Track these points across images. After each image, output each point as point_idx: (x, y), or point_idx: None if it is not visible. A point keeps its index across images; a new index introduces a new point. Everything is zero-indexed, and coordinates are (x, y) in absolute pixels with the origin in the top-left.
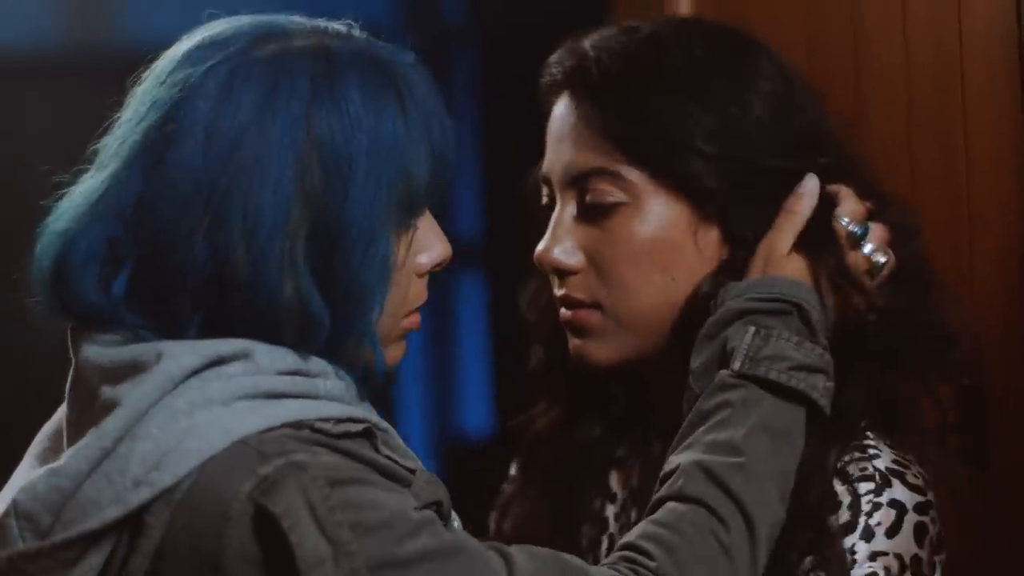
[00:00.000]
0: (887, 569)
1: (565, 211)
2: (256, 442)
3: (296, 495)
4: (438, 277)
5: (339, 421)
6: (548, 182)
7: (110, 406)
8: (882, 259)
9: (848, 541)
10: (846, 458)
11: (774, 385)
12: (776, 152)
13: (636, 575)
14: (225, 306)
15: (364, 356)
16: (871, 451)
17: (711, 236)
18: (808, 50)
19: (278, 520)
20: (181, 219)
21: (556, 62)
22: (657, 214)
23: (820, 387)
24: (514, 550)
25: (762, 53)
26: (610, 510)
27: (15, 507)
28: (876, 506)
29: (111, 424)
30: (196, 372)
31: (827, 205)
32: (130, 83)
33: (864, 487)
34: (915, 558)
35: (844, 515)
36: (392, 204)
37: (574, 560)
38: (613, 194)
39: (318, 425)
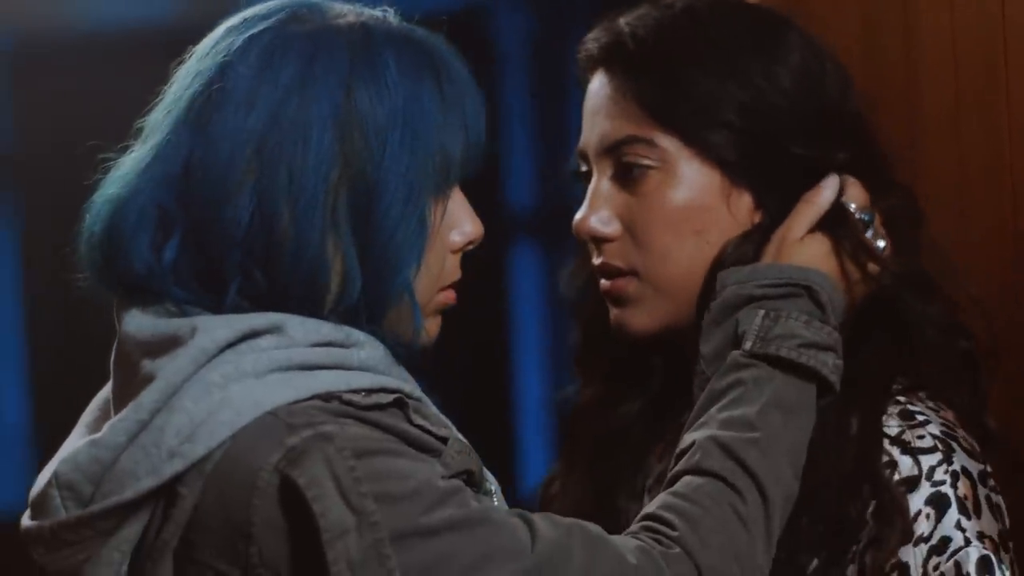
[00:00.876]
0: (995, 553)
1: (601, 181)
2: (285, 414)
3: (321, 466)
4: (490, 247)
5: (370, 392)
6: (585, 156)
7: (148, 379)
8: (881, 243)
9: (944, 512)
10: (894, 424)
11: (785, 362)
12: (800, 135)
13: (659, 544)
14: (268, 266)
15: (403, 319)
16: (919, 417)
17: (744, 201)
18: (863, 39)
19: (303, 490)
20: (227, 179)
21: (592, 39)
22: (690, 179)
23: (830, 364)
24: (537, 517)
25: (793, 30)
26: (649, 485)
27: (56, 478)
28: (955, 476)
29: (147, 397)
30: (231, 345)
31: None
32: (173, 65)
33: (932, 458)
34: (1001, 535)
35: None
36: (427, 170)
37: (594, 528)
38: (648, 161)
39: (347, 397)
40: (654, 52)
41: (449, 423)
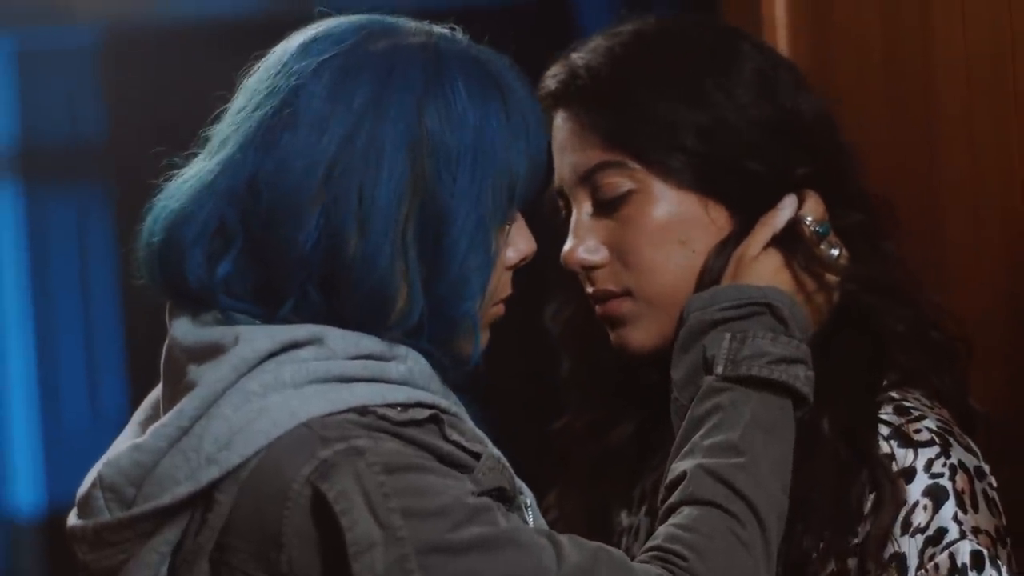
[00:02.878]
0: (988, 549)
1: (581, 211)
2: (319, 426)
3: (351, 480)
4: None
5: (406, 407)
6: (561, 193)
7: (191, 386)
8: (835, 252)
9: (941, 504)
10: (889, 418)
11: (758, 381)
12: (757, 153)
13: (673, 574)
14: (330, 287)
15: (458, 342)
16: (915, 412)
17: (720, 210)
18: (883, 41)
19: (331, 504)
20: (295, 201)
21: (550, 76)
22: (666, 195)
23: (802, 376)
24: (564, 539)
25: (744, 42)
26: (643, 509)
27: (100, 480)
28: (953, 469)
29: (188, 404)
30: (272, 355)
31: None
32: (240, 75)
33: (930, 451)
34: (998, 530)
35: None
36: (496, 198)
37: (618, 553)
38: (622, 184)
39: (382, 411)
40: (608, 82)
41: (484, 438)
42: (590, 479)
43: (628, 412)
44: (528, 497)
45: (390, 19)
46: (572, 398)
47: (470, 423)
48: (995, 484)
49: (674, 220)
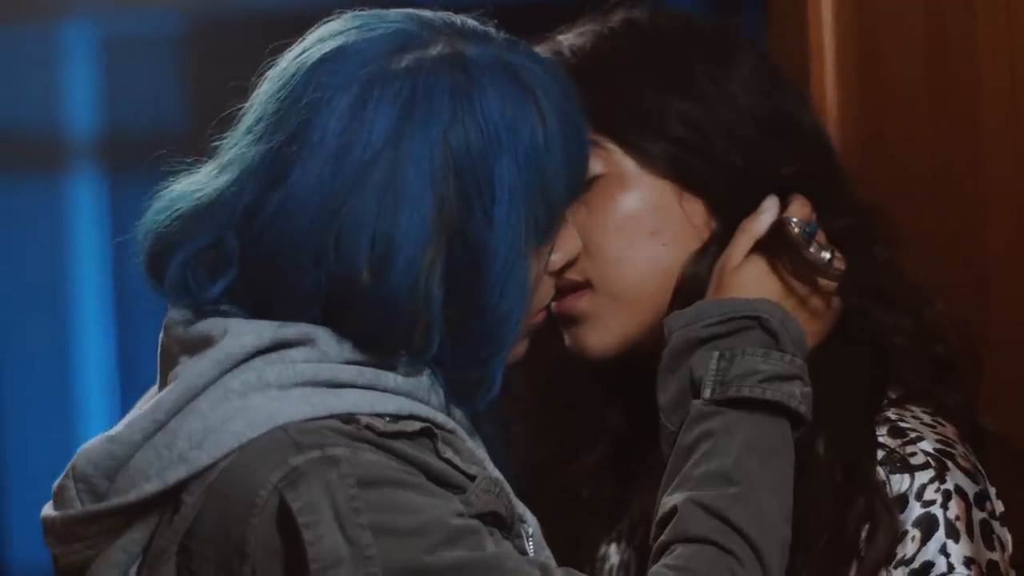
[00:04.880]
0: None
1: None
2: (295, 431)
3: (320, 490)
4: None
5: (396, 418)
6: None
7: (175, 378)
8: (826, 255)
9: (930, 535)
10: (884, 440)
11: (750, 402)
12: (743, 149)
13: None
14: (335, 319)
15: (481, 377)
16: (911, 434)
17: (697, 206)
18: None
19: (295, 515)
20: (300, 244)
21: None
22: (640, 181)
23: (797, 394)
24: (560, 573)
25: (743, 44)
26: (633, 542)
27: (73, 470)
28: (947, 495)
29: (167, 398)
30: (260, 353)
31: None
32: (254, 78)
33: (923, 475)
34: (991, 564)
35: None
36: (536, 223)
37: None
38: (593, 167)
39: (368, 420)
40: (593, 62)
41: (484, 459)
42: (560, 514)
43: (592, 440)
44: (531, 526)
45: (413, 24)
46: (535, 424)
47: (469, 442)
48: (999, 511)
49: (646, 209)
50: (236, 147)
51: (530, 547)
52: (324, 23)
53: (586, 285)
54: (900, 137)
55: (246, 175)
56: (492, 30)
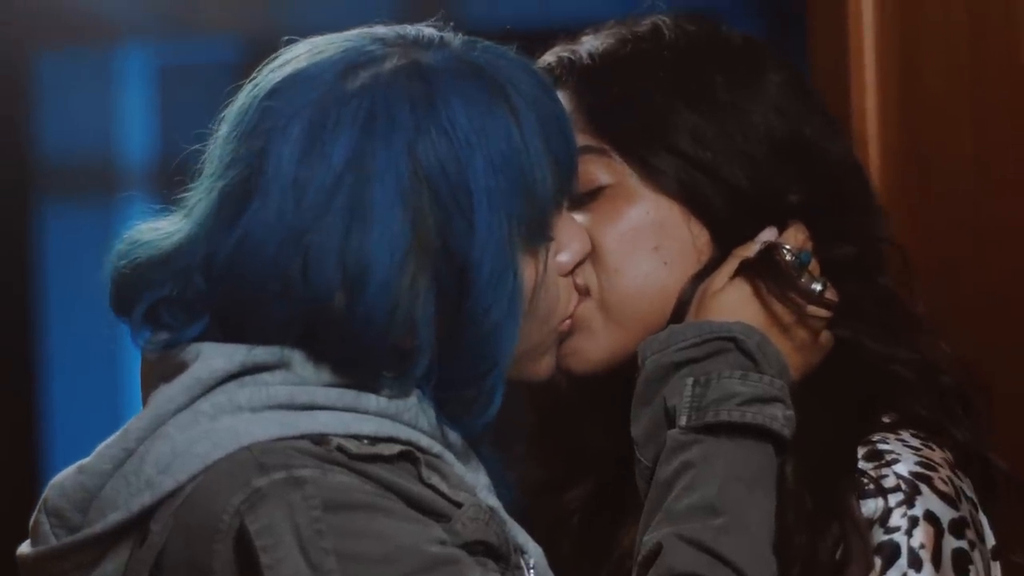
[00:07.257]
0: None
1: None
2: (260, 451)
3: (281, 513)
4: None
5: (375, 440)
6: None
7: (147, 404)
8: (817, 286)
9: (890, 564)
10: (861, 464)
11: (729, 427)
12: (752, 171)
13: None
14: (309, 345)
15: (478, 397)
16: (888, 456)
17: (702, 230)
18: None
19: (252, 538)
20: (266, 272)
21: (550, 52)
22: (645, 196)
23: (780, 417)
24: None
25: (773, 63)
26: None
27: (45, 503)
28: (913, 521)
29: (136, 424)
30: (233, 377)
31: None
32: (224, 105)
33: (892, 499)
34: None
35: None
36: (520, 229)
37: None
38: (599, 177)
39: (337, 441)
40: (608, 66)
41: (477, 486)
42: (553, 541)
43: (584, 470)
44: (532, 556)
45: (365, 40)
46: (534, 450)
47: (458, 467)
48: (990, 543)
49: (649, 223)
50: (198, 190)
51: None
52: (276, 54)
53: (584, 292)
54: (942, 151)
55: (209, 216)
56: (449, 34)
